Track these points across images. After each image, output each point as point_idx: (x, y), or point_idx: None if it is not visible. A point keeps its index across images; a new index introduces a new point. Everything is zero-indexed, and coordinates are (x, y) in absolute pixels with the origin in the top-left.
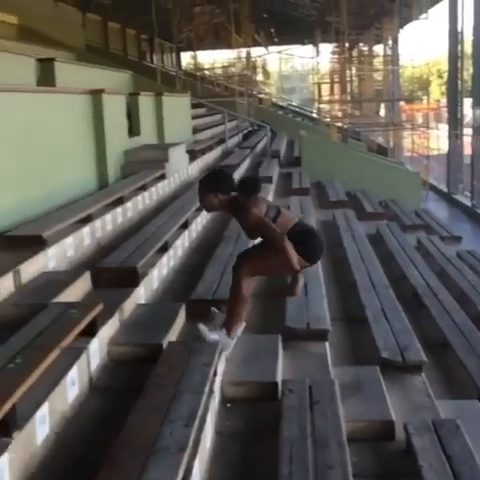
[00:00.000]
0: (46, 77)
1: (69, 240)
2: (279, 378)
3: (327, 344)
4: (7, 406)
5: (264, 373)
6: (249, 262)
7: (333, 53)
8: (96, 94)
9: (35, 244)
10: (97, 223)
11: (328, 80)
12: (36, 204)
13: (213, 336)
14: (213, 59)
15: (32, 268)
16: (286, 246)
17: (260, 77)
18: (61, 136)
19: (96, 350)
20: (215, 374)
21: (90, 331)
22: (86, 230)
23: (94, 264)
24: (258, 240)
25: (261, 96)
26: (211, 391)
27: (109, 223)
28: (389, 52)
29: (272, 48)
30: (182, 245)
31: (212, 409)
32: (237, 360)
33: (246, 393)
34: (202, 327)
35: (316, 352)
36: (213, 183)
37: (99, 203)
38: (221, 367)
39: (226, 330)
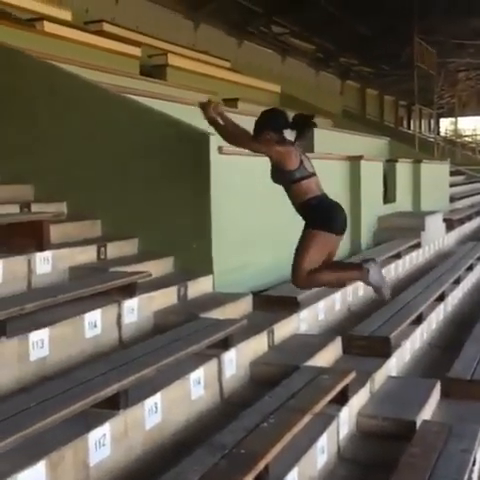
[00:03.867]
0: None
1: (321, 304)
2: None
3: None
4: (261, 465)
5: None
6: (297, 261)
7: None
8: (354, 160)
9: (289, 305)
10: (349, 288)
11: None
12: (289, 265)
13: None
14: (474, 125)
15: (285, 329)
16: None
17: None
18: None
19: (346, 419)
20: (474, 463)
21: (341, 399)
22: (337, 295)
23: (344, 330)
24: None
25: None
26: None
27: (360, 289)
28: None
29: None
30: (437, 318)
31: None
32: None
33: None
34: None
35: None
36: (263, 120)
37: None
38: None
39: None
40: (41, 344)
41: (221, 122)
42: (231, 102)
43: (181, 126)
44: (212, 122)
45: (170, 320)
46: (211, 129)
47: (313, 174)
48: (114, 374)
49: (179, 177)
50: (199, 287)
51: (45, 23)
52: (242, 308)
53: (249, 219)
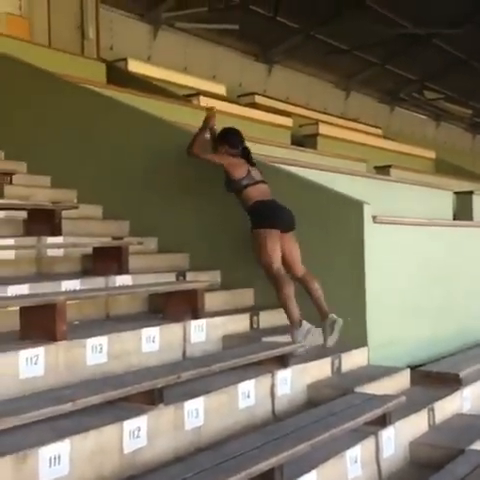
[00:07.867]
0: (463, 210)
1: None
2: None
3: None
4: None
5: None
6: (261, 262)
7: None
8: None
9: (450, 382)
10: None
11: None
12: (449, 339)
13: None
14: None
15: (447, 407)
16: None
17: None
18: (476, 271)
19: None
20: None
21: None
22: None
23: None
24: None
25: None
26: None
27: None
28: None
29: None
30: None
31: None
32: None
33: None
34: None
35: None
36: (223, 135)
37: None
38: None
39: (292, 325)
40: (196, 413)
41: (207, 135)
42: (383, 169)
43: (334, 195)
44: (203, 128)
45: (324, 393)
46: (364, 197)
47: (261, 181)
48: (268, 448)
49: (331, 246)
50: (353, 360)
51: (201, 98)
52: (399, 383)
53: (406, 290)
